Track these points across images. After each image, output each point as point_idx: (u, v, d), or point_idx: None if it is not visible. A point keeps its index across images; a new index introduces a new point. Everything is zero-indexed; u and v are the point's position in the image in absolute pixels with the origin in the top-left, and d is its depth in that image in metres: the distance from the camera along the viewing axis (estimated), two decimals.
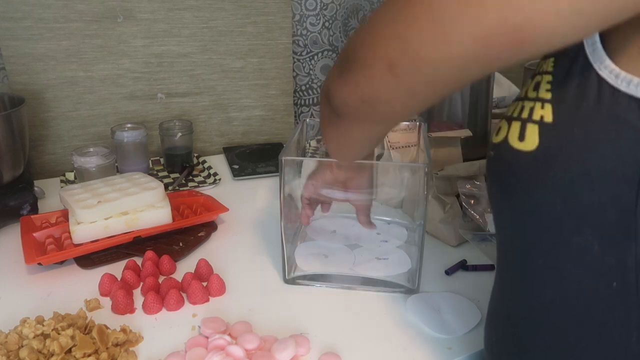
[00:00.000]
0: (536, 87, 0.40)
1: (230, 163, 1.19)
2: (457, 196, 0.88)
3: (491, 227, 0.82)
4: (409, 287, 0.73)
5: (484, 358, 0.53)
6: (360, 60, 0.39)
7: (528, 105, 0.40)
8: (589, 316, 0.38)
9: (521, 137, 0.39)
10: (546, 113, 0.38)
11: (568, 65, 0.37)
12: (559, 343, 0.41)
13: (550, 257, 0.40)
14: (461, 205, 0.86)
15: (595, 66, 0.35)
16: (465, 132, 0.98)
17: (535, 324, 0.43)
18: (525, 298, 0.43)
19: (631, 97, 0.33)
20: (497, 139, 0.42)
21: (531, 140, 0.38)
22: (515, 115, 0.40)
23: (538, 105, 0.39)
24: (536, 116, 0.38)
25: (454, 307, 0.69)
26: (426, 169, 0.67)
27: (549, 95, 0.38)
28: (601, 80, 0.35)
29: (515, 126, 0.40)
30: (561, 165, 0.36)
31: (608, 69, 0.34)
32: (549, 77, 0.39)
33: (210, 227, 0.90)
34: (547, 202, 0.38)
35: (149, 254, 0.79)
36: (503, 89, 1.48)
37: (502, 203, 0.43)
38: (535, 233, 0.40)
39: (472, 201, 0.86)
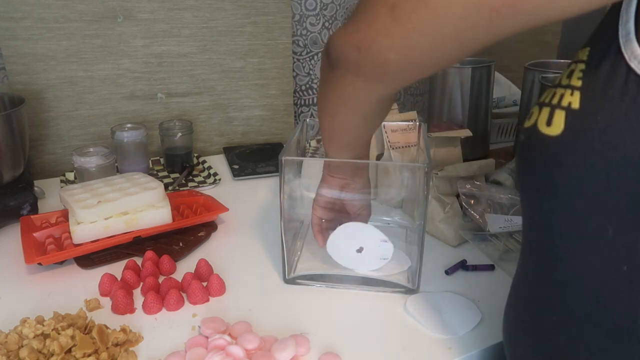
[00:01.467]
0: (569, 75, 0.41)
1: (230, 163, 1.19)
2: (457, 196, 0.88)
3: (491, 227, 0.82)
4: (409, 287, 0.73)
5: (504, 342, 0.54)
6: (365, 5, 0.41)
7: (559, 92, 0.41)
8: (598, 298, 0.40)
9: (549, 122, 0.40)
10: (574, 100, 0.39)
11: (601, 54, 0.39)
12: (569, 323, 0.43)
13: (567, 240, 0.41)
14: (461, 205, 0.86)
15: (626, 56, 0.36)
16: (465, 132, 0.98)
17: (548, 305, 0.44)
18: (542, 280, 0.45)
19: None
20: (528, 123, 0.43)
21: (557, 125, 0.39)
22: (546, 101, 0.42)
23: (568, 92, 0.40)
24: (565, 102, 0.40)
25: (454, 307, 0.69)
26: (426, 169, 0.67)
27: (579, 83, 0.40)
28: (629, 70, 0.36)
29: (545, 112, 0.41)
30: (582, 150, 0.38)
31: (637, 59, 0.35)
32: (582, 66, 0.40)
33: (210, 227, 0.90)
34: (567, 186, 0.39)
35: (149, 254, 0.79)
36: (503, 89, 1.48)
37: (528, 186, 0.45)
38: (556, 216, 0.42)
39: (472, 201, 0.86)
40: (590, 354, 0.41)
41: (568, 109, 0.39)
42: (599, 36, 0.40)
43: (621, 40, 0.37)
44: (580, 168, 0.38)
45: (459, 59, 0.42)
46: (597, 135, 0.37)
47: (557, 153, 0.39)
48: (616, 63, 0.37)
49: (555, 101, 0.41)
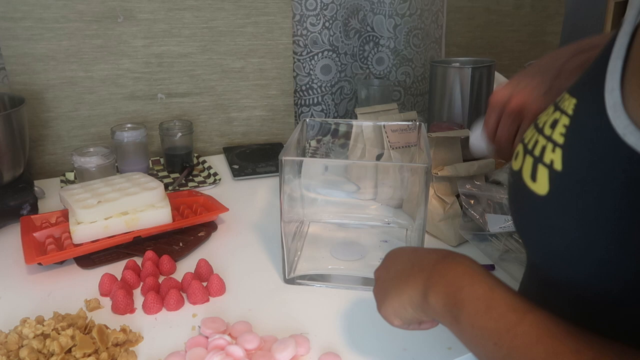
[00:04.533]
0: (553, 125, 0.39)
1: (230, 163, 1.19)
2: (457, 196, 0.88)
3: (491, 227, 0.82)
4: None
5: None
6: None
7: (541, 142, 0.39)
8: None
9: (533, 177, 0.39)
10: (556, 158, 0.38)
11: (586, 112, 0.36)
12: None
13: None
14: (461, 205, 0.86)
15: (618, 131, 0.33)
16: (465, 132, 0.98)
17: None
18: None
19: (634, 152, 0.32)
20: (515, 165, 0.42)
21: (542, 184, 0.38)
22: (530, 147, 0.41)
23: (550, 146, 0.38)
24: (547, 159, 0.38)
25: None
26: (426, 169, 0.67)
27: (561, 140, 0.38)
28: (621, 143, 0.33)
29: (529, 162, 0.40)
30: (572, 211, 0.36)
31: (632, 133, 0.32)
32: (566, 121, 0.38)
33: (210, 227, 0.90)
34: (561, 239, 0.37)
35: (149, 254, 0.79)
36: None
37: (522, 229, 0.44)
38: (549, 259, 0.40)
39: (472, 201, 0.86)
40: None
41: (551, 168, 0.38)
42: (586, 89, 0.38)
43: (609, 111, 0.34)
44: (571, 226, 0.36)
45: None
46: (587, 197, 0.35)
47: (547, 215, 0.38)
48: (603, 130, 0.34)
49: (537, 152, 0.39)
